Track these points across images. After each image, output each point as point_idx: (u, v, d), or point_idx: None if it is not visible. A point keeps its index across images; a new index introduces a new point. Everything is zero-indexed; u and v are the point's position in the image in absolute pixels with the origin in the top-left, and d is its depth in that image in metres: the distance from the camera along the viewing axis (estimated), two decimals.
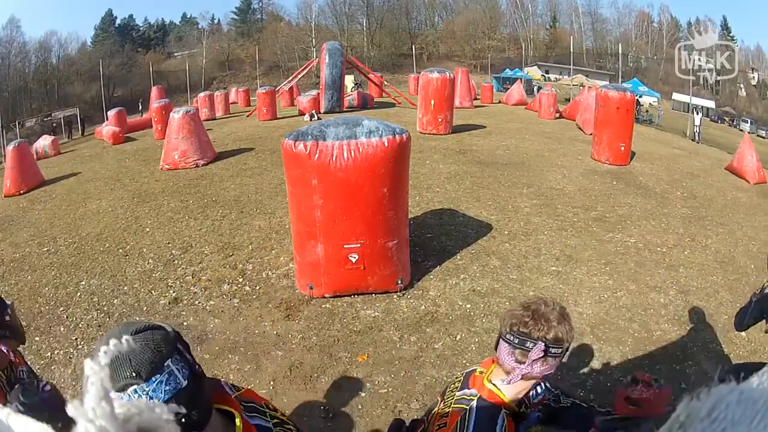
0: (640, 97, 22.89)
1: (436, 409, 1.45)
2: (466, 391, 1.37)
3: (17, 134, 23.62)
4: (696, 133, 17.79)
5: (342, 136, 3.72)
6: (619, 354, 3.58)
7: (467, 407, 1.32)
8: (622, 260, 5.05)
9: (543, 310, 1.25)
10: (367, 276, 4.07)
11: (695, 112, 20.73)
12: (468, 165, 8.40)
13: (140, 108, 26.68)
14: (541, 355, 1.23)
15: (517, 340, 1.25)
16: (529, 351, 1.23)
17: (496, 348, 1.34)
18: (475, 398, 1.32)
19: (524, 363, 1.25)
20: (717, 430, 0.35)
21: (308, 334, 3.80)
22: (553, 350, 1.23)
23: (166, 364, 0.84)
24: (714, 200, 7.55)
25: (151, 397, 0.81)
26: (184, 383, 0.86)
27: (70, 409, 0.44)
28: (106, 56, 33.48)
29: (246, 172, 8.44)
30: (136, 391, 0.81)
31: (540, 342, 1.22)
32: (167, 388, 0.83)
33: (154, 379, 0.82)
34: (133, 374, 0.81)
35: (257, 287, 4.54)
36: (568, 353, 1.31)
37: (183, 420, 0.77)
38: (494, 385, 1.33)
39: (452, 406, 1.36)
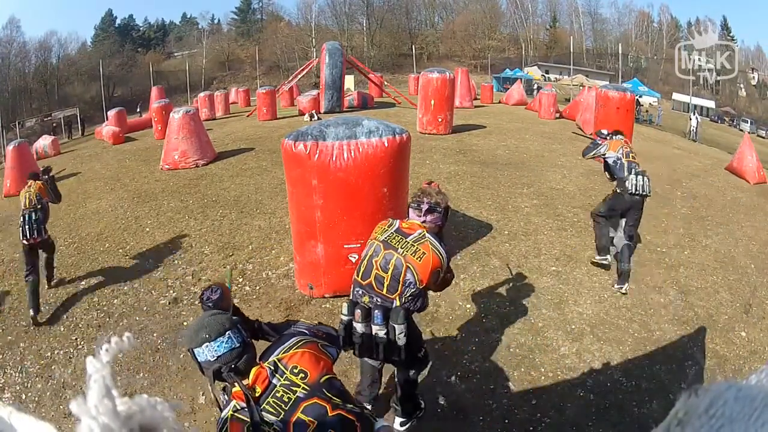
0: (640, 97, 22.89)
1: (393, 259, 2.25)
2: (413, 235, 2.29)
3: (17, 134, 23.67)
4: (693, 133, 17.83)
5: (342, 136, 3.72)
6: (619, 354, 3.58)
7: (427, 239, 2.25)
8: None
9: (427, 189, 2.40)
10: None
11: (693, 113, 20.76)
12: (468, 165, 8.40)
13: (138, 110, 26.50)
14: (427, 207, 2.33)
15: (414, 205, 2.37)
16: (421, 209, 2.33)
17: (408, 215, 2.42)
18: (425, 232, 2.28)
19: (421, 216, 2.34)
20: (715, 427, 0.35)
21: None
22: (435, 208, 2.34)
23: (227, 333, 1.47)
24: (714, 200, 7.56)
25: (216, 350, 1.43)
26: (237, 345, 1.47)
27: (73, 407, 0.44)
28: (106, 56, 33.51)
29: (246, 172, 8.44)
30: (207, 346, 1.44)
31: (425, 203, 2.33)
32: (226, 346, 1.45)
33: (217, 339, 1.44)
34: (206, 336, 1.45)
35: (257, 287, 4.54)
36: (448, 213, 2.43)
37: (234, 366, 1.45)
38: (419, 224, 2.35)
39: (415, 244, 2.25)
